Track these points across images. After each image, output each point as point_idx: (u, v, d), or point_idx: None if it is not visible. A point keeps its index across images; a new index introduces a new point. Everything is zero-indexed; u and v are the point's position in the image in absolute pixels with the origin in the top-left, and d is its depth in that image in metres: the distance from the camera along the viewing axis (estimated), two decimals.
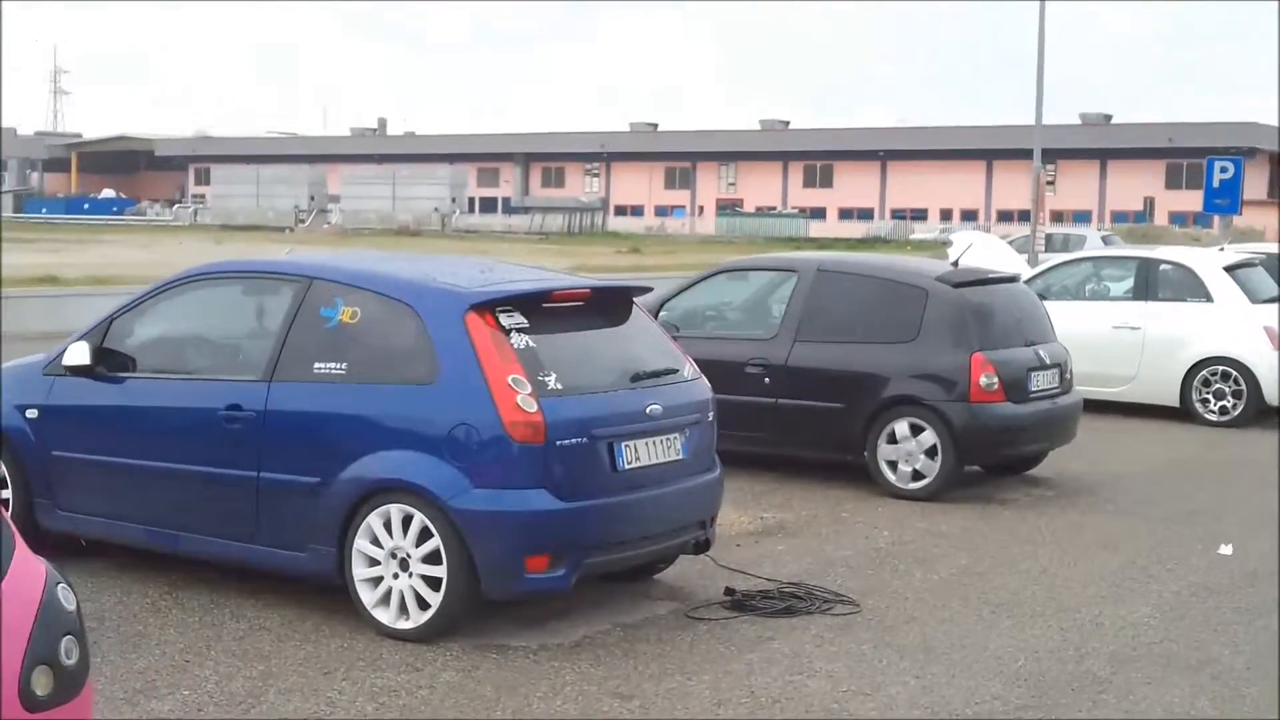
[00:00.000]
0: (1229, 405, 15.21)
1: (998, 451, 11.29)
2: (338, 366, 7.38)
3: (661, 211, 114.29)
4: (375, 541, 7.14)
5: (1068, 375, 11.76)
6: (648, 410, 7.44)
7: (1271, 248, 21.94)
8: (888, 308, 11.30)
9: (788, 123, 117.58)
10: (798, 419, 11.41)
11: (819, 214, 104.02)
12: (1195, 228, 74.77)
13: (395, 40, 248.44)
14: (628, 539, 7.38)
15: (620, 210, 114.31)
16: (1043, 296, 15.86)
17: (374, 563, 7.16)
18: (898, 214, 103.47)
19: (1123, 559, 9.34)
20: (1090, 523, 10.42)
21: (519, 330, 7.20)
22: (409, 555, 7.05)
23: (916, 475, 10.99)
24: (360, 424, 7.25)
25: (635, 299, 8.13)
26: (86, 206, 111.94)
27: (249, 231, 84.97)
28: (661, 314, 12.11)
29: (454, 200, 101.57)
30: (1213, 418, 15.23)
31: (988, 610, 8.05)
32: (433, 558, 7.00)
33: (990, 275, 11.83)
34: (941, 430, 10.87)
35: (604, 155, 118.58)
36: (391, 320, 7.37)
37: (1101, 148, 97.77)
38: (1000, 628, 7.72)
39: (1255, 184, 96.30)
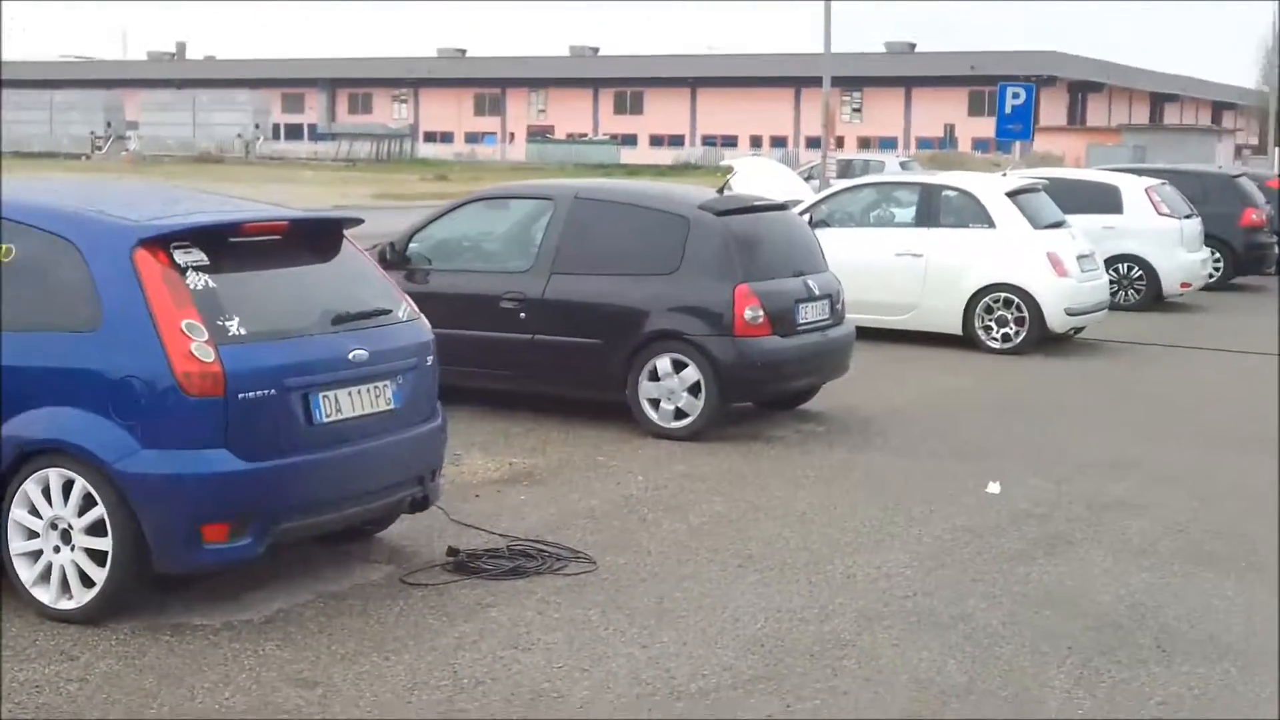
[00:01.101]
0: (1011, 333, 14.89)
1: (764, 387, 10.71)
2: None
3: (472, 139, 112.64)
4: (34, 511, 6.26)
5: (839, 306, 11.22)
6: (351, 356, 6.64)
7: (1056, 172, 21.86)
8: (648, 238, 10.62)
9: (597, 49, 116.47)
10: (556, 356, 10.69)
11: (630, 141, 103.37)
12: (996, 154, 75.82)
13: None
14: (326, 500, 6.59)
15: (430, 137, 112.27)
16: (825, 224, 15.44)
17: (32, 535, 6.28)
18: (709, 141, 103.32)
19: (887, 500, 8.82)
20: (858, 461, 9.91)
21: (197, 269, 6.33)
22: (70, 526, 6.18)
23: (679, 414, 10.37)
24: (17, 377, 6.32)
25: (347, 232, 7.29)
26: None
27: (43, 159, 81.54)
28: (412, 245, 11.29)
29: (258, 127, 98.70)
30: (996, 346, 14.91)
31: (735, 564, 7.44)
32: (97, 528, 6.15)
33: (757, 203, 11.20)
34: (704, 366, 10.25)
35: (411, 81, 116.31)
36: (51, 258, 6.44)
37: (906, 75, 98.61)
38: (745, 584, 7.11)
39: (1055, 111, 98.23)
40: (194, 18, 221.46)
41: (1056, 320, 14.87)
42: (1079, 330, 15.62)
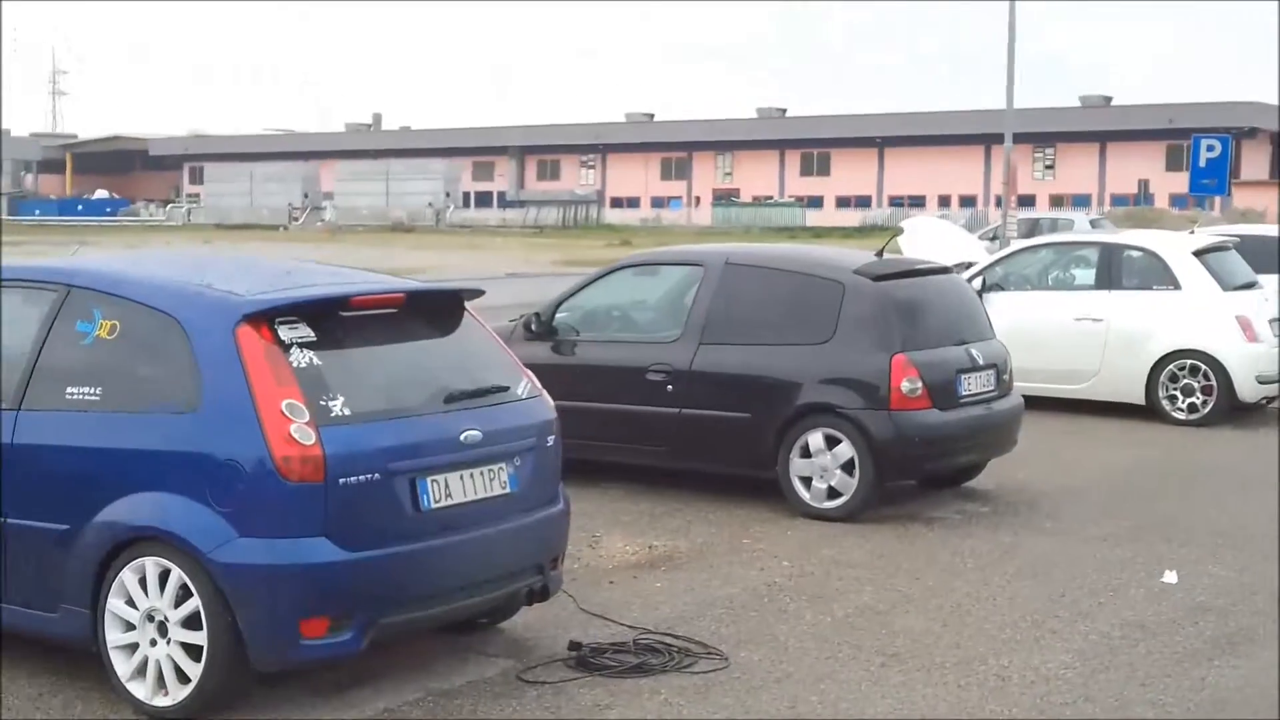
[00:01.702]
0: (1198, 402, 14.02)
1: (923, 465, 10.10)
2: (93, 391, 6.23)
3: (658, 203, 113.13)
4: (130, 602, 6.00)
5: (1005, 376, 10.58)
6: (463, 437, 6.28)
7: (1247, 229, 20.75)
8: (801, 305, 10.13)
9: (784, 110, 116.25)
10: (703, 430, 10.25)
11: (816, 203, 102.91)
12: (1194, 210, 73.38)
13: (392, 35, 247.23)
14: (434, 593, 6.22)
15: (616, 202, 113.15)
16: (999, 287, 14.78)
17: (129, 627, 6.01)
18: (895, 201, 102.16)
19: (1051, 590, 8.17)
20: (1023, 545, 9.25)
21: (302, 345, 6.05)
22: (166, 618, 5.91)
23: (833, 493, 9.83)
24: (116, 459, 6.10)
25: (468, 304, 6.96)
26: (80, 208, 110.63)
27: (243, 230, 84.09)
28: (559, 314, 10.97)
29: (448, 195, 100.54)
30: (1181, 416, 14.04)
31: (878, 662, 6.88)
32: (193, 621, 5.86)
33: (917, 266, 10.64)
34: (859, 442, 9.70)
35: (599, 147, 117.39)
36: (153, 335, 6.22)
37: (1101, 130, 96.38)
38: (887, 685, 6.56)
39: (1256, 164, 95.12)
40: (390, 90, 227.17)
41: (1247, 389, 13.96)
42: (1272, 400, 14.65)
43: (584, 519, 9.69)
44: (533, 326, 10.84)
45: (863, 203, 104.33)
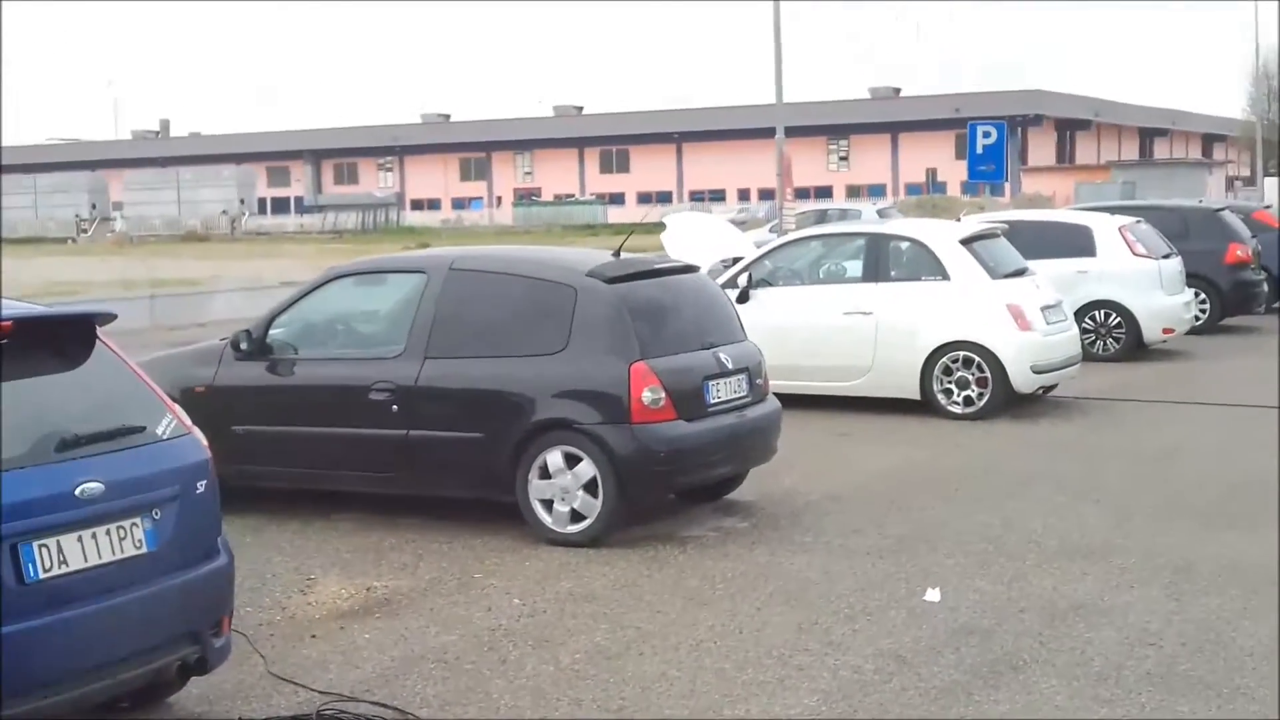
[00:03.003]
0: (974, 395, 13.50)
1: (672, 481, 9.29)
2: None
3: (459, 204, 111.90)
4: None
5: (759, 381, 9.84)
6: (79, 491, 5.26)
7: (1022, 214, 20.55)
8: (532, 312, 9.26)
9: (581, 108, 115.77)
10: (432, 453, 9.32)
11: (619, 199, 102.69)
12: (986, 196, 74.58)
13: (181, 38, 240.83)
14: (52, 678, 5.18)
15: (417, 204, 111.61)
16: (767, 282, 14.14)
17: None
18: (696, 196, 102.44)
19: (804, 617, 7.42)
20: (779, 564, 8.50)
21: None
22: None
23: (576, 516, 8.98)
24: None
25: (100, 331, 5.93)
26: None
27: (29, 244, 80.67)
28: (273, 331, 9.94)
29: (243, 202, 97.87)
30: (957, 410, 13.52)
31: None
32: None
33: (657, 266, 9.83)
34: (600, 460, 8.87)
35: (396, 149, 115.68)
36: None
37: (892, 121, 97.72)
38: None
39: (1043, 151, 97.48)
40: (179, 95, 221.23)
41: (1022, 379, 13.48)
42: (1050, 389, 14.23)
43: (302, 558, 8.79)
44: (243, 345, 9.80)
45: (664, 198, 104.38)
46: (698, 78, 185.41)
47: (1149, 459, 11.57)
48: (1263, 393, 14.89)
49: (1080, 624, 7.24)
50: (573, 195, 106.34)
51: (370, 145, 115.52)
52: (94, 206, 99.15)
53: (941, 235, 14.04)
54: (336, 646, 7.10)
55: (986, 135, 26.27)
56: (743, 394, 9.59)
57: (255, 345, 9.82)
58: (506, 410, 9.11)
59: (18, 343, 5.48)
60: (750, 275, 14.42)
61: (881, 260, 14.06)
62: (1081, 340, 16.94)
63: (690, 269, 10.08)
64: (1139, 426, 13.17)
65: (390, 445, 9.38)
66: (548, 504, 9.03)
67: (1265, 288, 21.62)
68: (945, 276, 13.71)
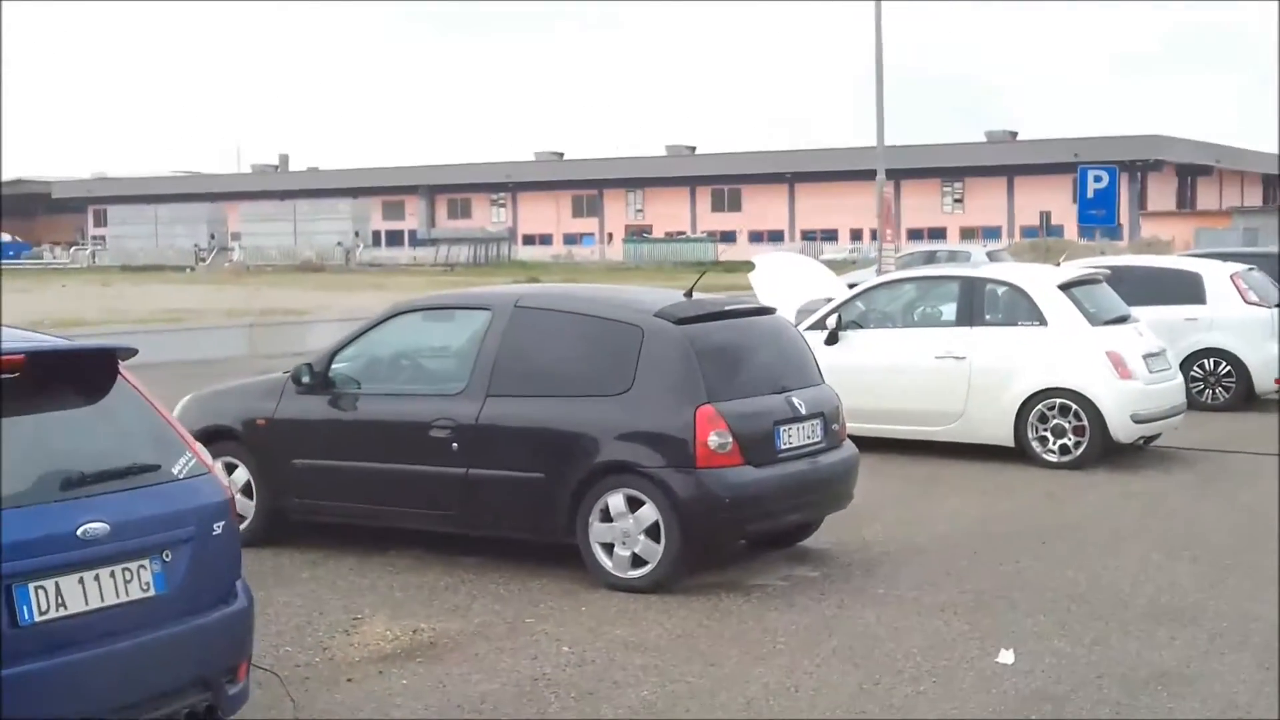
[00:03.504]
0: (1070, 444, 12.95)
1: (736, 528, 8.91)
2: None
3: (570, 240, 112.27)
4: None
5: (835, 426, 9.43)
6: (81, 531, 5.01)
7: (1130, 260, 19.90)
8: (598, 352, 8.94)
9: (694, 148, 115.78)
10: (492, 493, 9.03)
11: (729, 237, 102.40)
12: (1102, 240, 73.17)
13: (300, 75, 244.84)
14: None
15: (529, 239, 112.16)
16: (857, 324, 13.72)
17: None
18: (808, 235, 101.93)
19: (866, 676, 7.00)
20: (847, 617, 8.08)
21: None
22: None
23: (637, 561, 8.63)
24: None
25: (123, 364, 5.68)
26: None
27: (148, 272, 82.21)
28: (335, 365, 9.72)
29: (357, 234, 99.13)
30: (1052, 459, 12.97)
31: None
32: None
33: (729, 307, 9.46)
34: (663, 504, 8.51)
35: (510, 185, 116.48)
36: None
37: (1008, 164, 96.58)
38: None
39: (1163, 196, 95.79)
40: (299, 131, 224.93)
41: (1121, 429, 12.90)
42: (1152, 439, 13.63)
43: (353, 596, 8.51)
44: (304, 379, 9.59)
45: (775, 236, 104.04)
46: (813, 119, 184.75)
47: (1251, 516, 10.95)
48: None
49: (1163, 694, 6.75)
50: (684, 232, 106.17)
51: (484, 181, 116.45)
52: (213, 237, 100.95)
53: (1039, 280, 13.53)
54: (371, 693, 6.80)
55: (1098, 179, 25.59)
56: (816, 440, 9.19)
57: (317, 379, 9.61)
58: (568, 451, 8.80)
59: (32, 376, 5.24)
60: (840, 317, 14.00)
61: (976, 304, 13.58)
62: (1190, 390, 16.37)
63: (766, 310, 9.72)
64: (1244, 481, 12.53)
65: (449, 483, 9.11)
66: (608, 548, 8.70)
67: None
68: (1043, 322, 13.20)
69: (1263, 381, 16.95)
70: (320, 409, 9.61)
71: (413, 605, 8.35)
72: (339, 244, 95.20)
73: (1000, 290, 13.66)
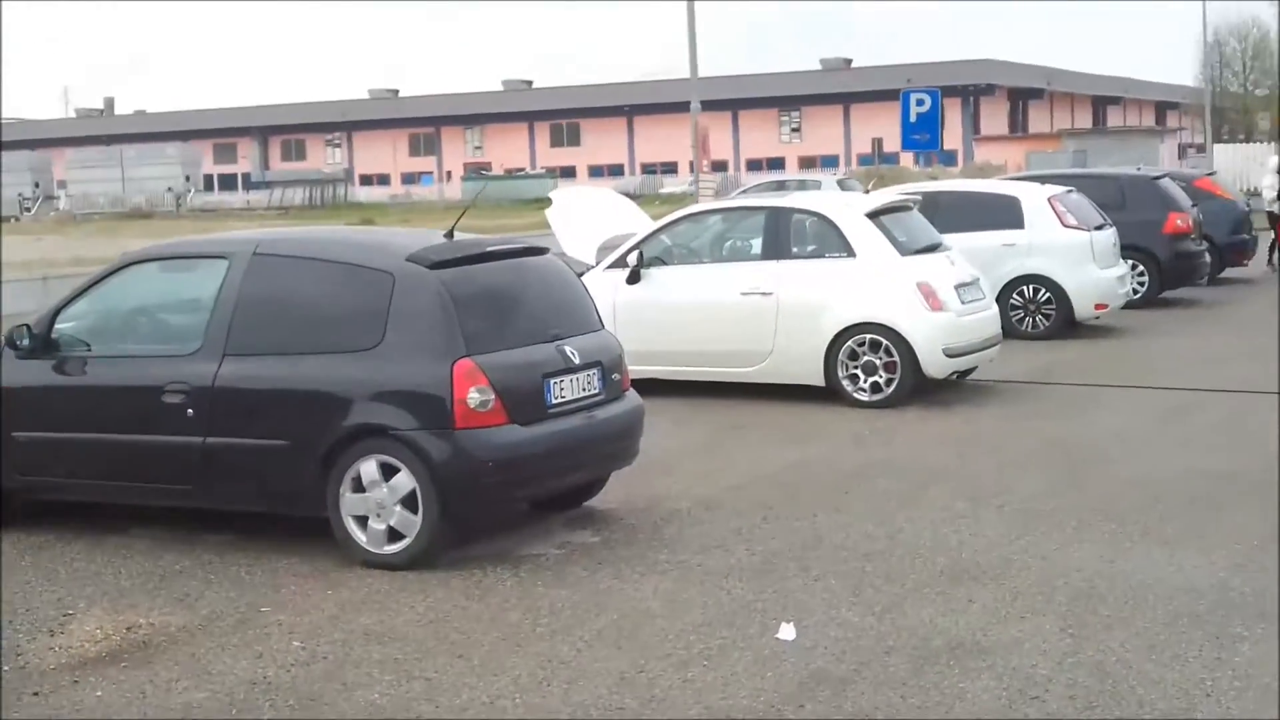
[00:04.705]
0: (881, 381, 12.33)
1: (504, 494, 8.06)
2: None
3: (409, 179, 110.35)
4: None
5: (616, 376, 8.64)
6: None
7: (948, 185, 19.43)
8: (345, 302, 8.01)
9: (531, 82, 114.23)
10: (233, 464, 8.10)
11: (569, 173, 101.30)
12: (938, 166, 73.39)
13: (127, 13, 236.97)
14: None
15: (366, 180, 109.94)
16: (661, 260, 12.96)
17: None
18: (648, 169, 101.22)
19: (629, 662, 6.24)
20: (622, 591, 7.31)
21: None
22: None
23: (394, 534, 7.78)
24: None
25: None
26: None
27: None
28: (62, 325, 8.69)
29: (188, 179, 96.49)
30: (864, 397, 12.35)
31: None
32: None
33: (494, 248, 8.57)
34: (420, 471, 7.66)
35: (345, 124, 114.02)
36: None
37: (844, 92, 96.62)
38: None
39: (996, 120, 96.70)
40: (125, 73, 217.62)
41: (933, 363, 12.31)
42: (966, 373, 13.07)
43: (72, 586, 7.61)
44: (21, 342, 8.55)
45: (616, 171, 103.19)
46: (649, 50, 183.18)
47: (1068, 455, 10.41)
48: (1204, 374, 13.82)
49: (955, 669, 6.08)
50: (523, 169, 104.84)
51: (318, 121, 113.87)
52: (37, 185, 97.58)
53: (847, 209, 12.84)
54: (58, 708, 5.89)
55: (920, 103, 25.17)
56: (594, 392, 8.39)
57: (36, 342, 8.57)
58: (314, 415, 7.89)
59: None
60: (642, 253, 13.20)
61: (783, 236, 12.87)
62: (1009, 318, 15.98)
63: (536, 250, 8.84)
64: (1062, 415, 12.03)
65: (186, 454, 8.15)
66: (362, 521, 7.83)
67: (1207, 259, 20.52)
68: (851, 253, 12.52)
69: (1083, 308, 16.54)
70: (42, 375, 8.59)
71: (136, 595, 7.41)
72: (169, 189, 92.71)
73: (807, 221, 12.97)
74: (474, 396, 7.63)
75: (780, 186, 38.78)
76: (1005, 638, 6.44)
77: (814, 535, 8.29)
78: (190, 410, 8.09)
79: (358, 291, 7.95)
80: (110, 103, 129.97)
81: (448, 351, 7.68)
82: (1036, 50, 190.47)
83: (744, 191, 36.32)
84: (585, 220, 16.02)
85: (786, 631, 6.56)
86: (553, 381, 8.08)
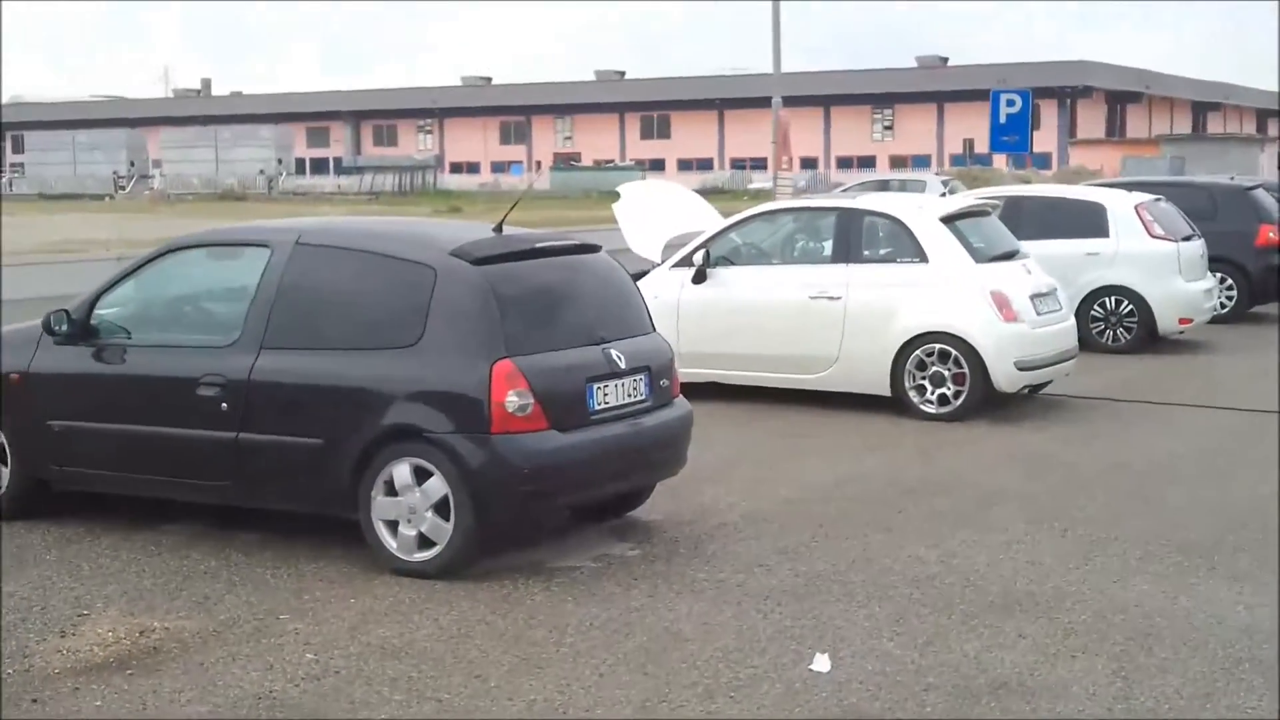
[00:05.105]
0: (949, 393, 11.92)
1: (541, 503, 7.78)
2: None
3: (498, 168, 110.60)
4: None
5: (664, 382, 8.32)
6: None
7: (1033, 190, 18.90)
8: (386, 296, 7.77)
9: (623, 73, 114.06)
10: (267, 461, 7.87)
11: (659, 165, 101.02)
12: (1032, 169, 72.30)
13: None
14: None
15: (456, 168, 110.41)
16: (728, 260, 12.62)
17: None
18: (737, 164, 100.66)
19: (652, 690, 5.93)
20: (655, 610, 7.00)
21: None
22: None
23: (425, 541, 7.52)
24: None
25: None
26: None
27: (66, 200, 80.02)
28: (102, 311, 8.52)
29: (280, 161, 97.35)
30: (930, 409, 11.94)
31: None
32: None
33: (544, 244, 8.27)
34: (453, 476, 7.39)
35: (436, 111, 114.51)
36: None
37: (938, 90, 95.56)
38: None
39: (1092, 123, 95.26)
40: (224, 54, 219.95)
41: (1004, 376, 11.87)
42: (1039, 387, 12.62)
43: (92, 585, 7.44)
44: (60, 327, 8.37)
45: (704, 165, 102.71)
46: (741, 43, 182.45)
47: (1139, 477, 9.96)
48: None
49: (995, 711, 5.72)
50: (612, 161, 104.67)
51: (410, 107, 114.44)
52: (132, 164, 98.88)
53: (920, 212, 12.42)
54: (52, 715, 5.67)
55: (1010, 104, 24.61)
56: (640, 398, 8.08)
57: (75, 328, 8.40)
58: (349, 413, 7.65)
59: None
60: (709, 252, 12.87)
61: (854, 239, 12.48)
62: (1089, 329, 15.51)
63: (588, 248, 8.53)
64: (1137, 435, 11.55)
65: (219, 449, 7.94)
66: (393, 526, 7.58)
67: None
68: (924, 259, 12.12)
69: (1166, 321, 15.99)
70: (79, 362, 8.42)
71: (156, 596, 7.20)
72: (261, 172, 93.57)
73: (880, 223, 12.57)
74: (513, 400, 7.35)
75: (883, 186, 38.16)
76: (1052, 679, 6.06)
77: (863, 556, 7.93)
78: (224, 404, 7.88)
79: (399, 285, 7.70)
80: (207, 84, 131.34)
81: (488, 352, 7.40)
82: (1136, 53, 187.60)
83: (845, 190, 35.82)
84: (653, 216, 15.69)
85: (821, 663, 6.22)
86: (596, 386, 7.77)
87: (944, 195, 27.20)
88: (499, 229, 8.16)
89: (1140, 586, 7.36)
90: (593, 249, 8.56)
